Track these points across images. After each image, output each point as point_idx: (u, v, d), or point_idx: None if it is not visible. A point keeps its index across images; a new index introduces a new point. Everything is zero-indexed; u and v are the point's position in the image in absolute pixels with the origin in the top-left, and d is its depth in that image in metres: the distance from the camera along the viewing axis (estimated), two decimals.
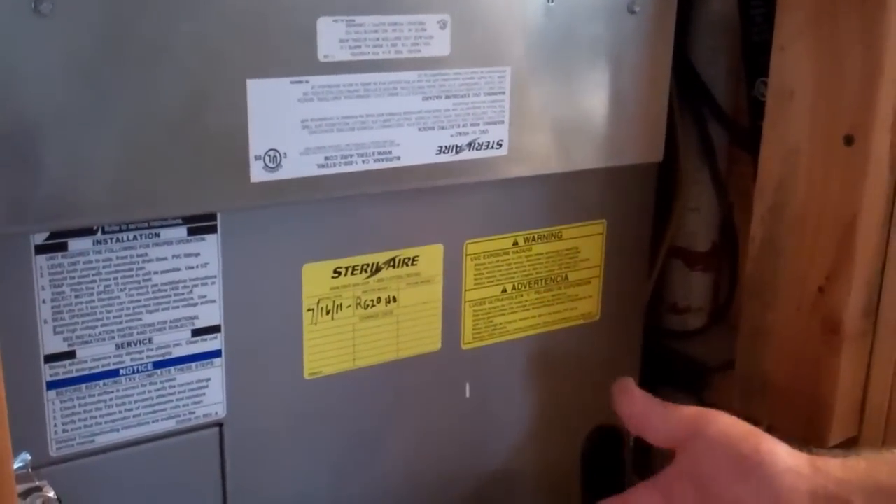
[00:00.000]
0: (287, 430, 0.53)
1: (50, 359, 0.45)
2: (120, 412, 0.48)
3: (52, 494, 0.44)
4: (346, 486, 0.56)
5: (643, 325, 0.65)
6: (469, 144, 0.52)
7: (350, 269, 0.52)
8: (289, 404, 0.52)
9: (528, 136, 0.53)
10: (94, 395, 0.47)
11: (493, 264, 0.57)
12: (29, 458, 0.45)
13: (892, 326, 0.55)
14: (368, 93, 0.48)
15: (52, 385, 0.46)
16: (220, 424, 0.50)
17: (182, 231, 0.47)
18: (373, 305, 0.54)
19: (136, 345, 0.47)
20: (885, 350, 0.55)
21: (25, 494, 0.44)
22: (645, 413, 0.51)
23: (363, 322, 0.54)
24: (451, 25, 0.49)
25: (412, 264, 0.54)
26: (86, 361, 0.46)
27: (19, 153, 0.41)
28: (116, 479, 0.48)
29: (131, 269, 0.46)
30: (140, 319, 0.47)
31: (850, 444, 0.56)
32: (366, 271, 0.53)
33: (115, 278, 0.46)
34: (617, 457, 0.66)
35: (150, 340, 0.48)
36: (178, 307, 0.48)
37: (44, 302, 0.45)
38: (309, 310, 0.52)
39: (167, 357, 0.48)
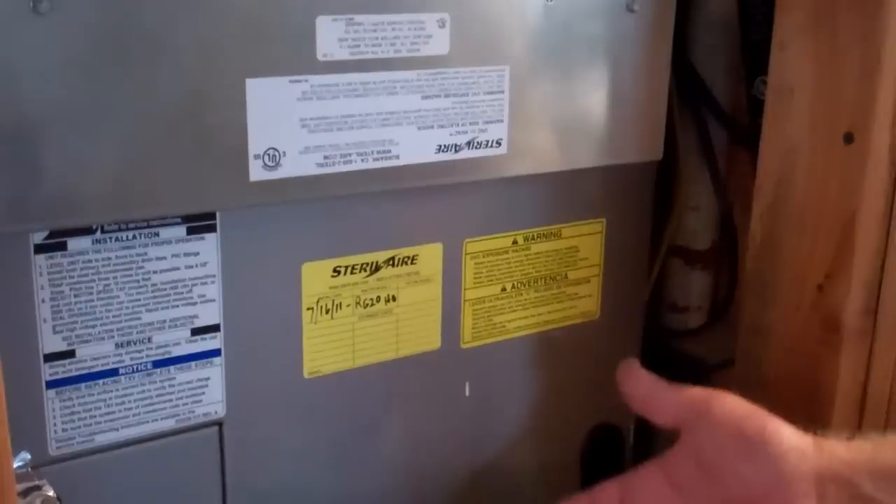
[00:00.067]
0: (286, 429, 0.53)
1: (49, 358, 0.45)
2: (119, 411, 0.48)
3: (51, 493, 0.44)
4: (345, 484, 0.56)
5: (643, 323, 0.65)
6: (468, 143, 0.52)
7: (349, 268, 0.52)
8: (288, 403, 0.52)
9: (527, 134, 0.53)
10: (93, 395, 0.47)
11: (492, 263, 0.57)
12: (29, 457, 0.45)
13: (891, 325, 0.55)
14: (367, 92, 0.48)
15: (51, 384, 0.46)
16: (219, 423, 0.50)
17: (181, 230, 0.47)
18: (372, 304, 0.54)
19: (135, 344, 0.47)
20: (884, 348, 0.55)
21: (25, 493, 0.44)
22: (650, 394, 0.51)
23: (363, 321, 0.54)
24: (450, 24, 0.49)
25: (411, 263, 0.54)
26: (85, 360, 0.46)
27: (18, 152, 0.41)
28: (116, 479, 0.48)
29: (130, 269, 0.46)
30: (139, 318, 0.47)
31: None
32: (365, 270, 0.53)
33: (115, 277, 0.46)
34: (617, 455, 0.66)
35: (149, 339, 0.48)
36: (177, 306, 0.48)
37: (43, 301, 0.45)
38: (308, 309, 0.52)
39: (167, 356, 0.48)
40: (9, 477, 0.35)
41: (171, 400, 0.49)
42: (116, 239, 0.46)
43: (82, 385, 0.46)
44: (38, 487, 0.44)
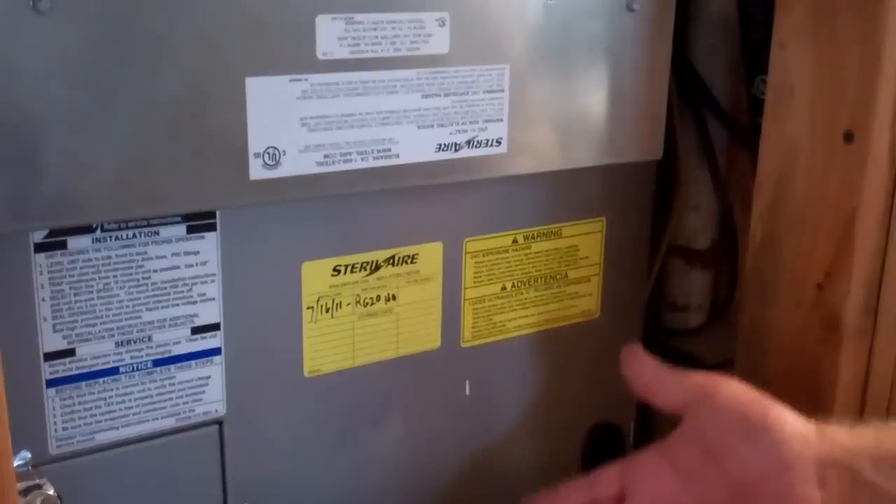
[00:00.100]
0: (287, 428, 0.53)
1: (50, 357, 0.45)
2: (120, 410, 0.48)
3: (51, 492, 0.44)
4: (346, 483, 0.56)
5: (643, 322, 0.65)
6: (468, 142, 0.52)
7: (349, 267, 0.52)
8: (288, 402, 0.52)
9: (527, 133, 0.53)
10: (93, 393, 0.47)
11: (492, 262, 0.57)
12: (29, 455, 0.45)
13: (891, 323, 0.55)
14: (367, 91, 0.48)
15: (51, 383, 0.46)
16: (219, 422, 0.50)
17: (181, 229, 0.47)
18: (372, 303, 0.54)
19: (135, 343, 0.47)
20: (884, 347, 0.55)
21: (25, 492, 0.44)
22: (654, 378, 0.51)
23: (363, 320, 0.54)
24: (450, 23, 0.49)
25: (411, 262, 0.54)
26: (85, 359, 0.46)
27: (18, 151, 0.41)
28: (116, 477, 0.48)
29: (131, 267, 0.46)
30: (140, 317, 0.47)
31: None
32: (365, 269, 0.53)
33: (115, 276, 0.46)
34: (617, 454, 0.66)
35: (149, 338, 0.48)
36: (177, 305, 0.48)
37: (43, 300, 0.45)
38: (308, 308, 0.52)
39: (167, 355, 0.48)
40: (9, 476, 0.35)
41: (171, 399, 0.49)
42: (116, 238, 0.46)
43: (82, 384, 0.47)
44: (39, 486, 0.44)
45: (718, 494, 0.46)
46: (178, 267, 0.48)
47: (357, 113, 0.48)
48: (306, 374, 0.53)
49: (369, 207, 0.52)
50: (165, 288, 0.47)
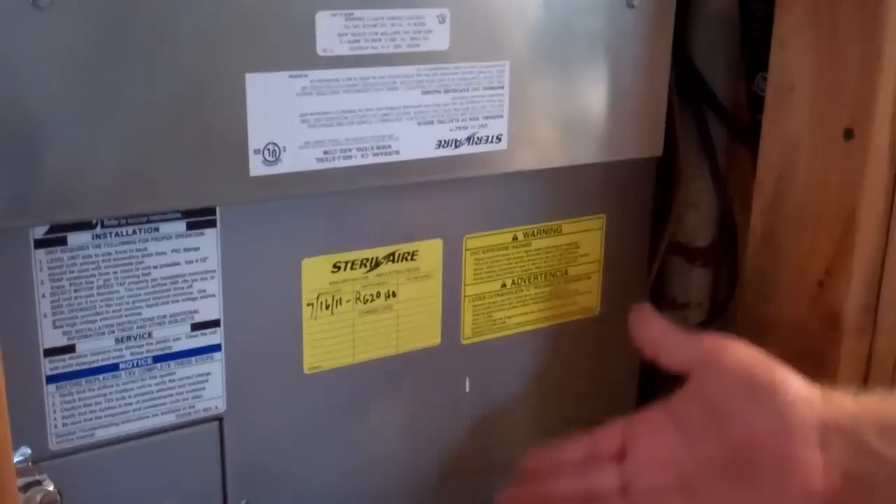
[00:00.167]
0: (287, 425, 0.53)
1: (49, 353, 0.45)
2: (120, 406, 0.48)
3: (51, 488, 0.44)
4: (346, 479, 0.56)
5: None
6: (468, 139, 0.52)
7: (349, 264, 0.52)
8: (288, 399, 0.52)
9: (527, 130, 0.53)
10: (93, 389, 0.47)
11: (492, 259, 0.57)
12: (29, 451, 0.46)
13: (892, 320, 0.55)
14: (367, 87, 0.48)
15: (51, 379, 0.46)
16: (219, 419, 0.50)
17: (181, 225, 0.47)
18: (372, 300, 0.54)
19: (135, 339, 0.47)
20: (885, 344, 0.55)
21: (25, 488, 0.44)
22: (662, 337, 0.51)
23: (363, 317, 0.54)
24: (450, 20, 0.49)
25: (411, 259, 0.54)
26: (85, 355, 0.46)
27: (18, 147, 0.41)
28: (116, 474, 0.48)
29: (130, 264, 0.46)
30: (140, 314, 0.47)
31: None
32: (365, 266, 0.53)
33: (115, 272, 0.46)
34: None
35: (149, 335, 0.48)
36: (177, 301, 0.48)
37: (43, 296, 0.45)
38: (308, 304, 0.52)
39: (167, 351, 0.48)
40: (9, 471, 0.35)
41: (171, 395, 0.49)
42: (116, 234, 0.46)
43: (82, 380, 0.47)
44: (39, 482, 0.44)
45: (719, 454, 0.46)
46: (178, 263, 0.48)
47: (357, 109, 0.48)
48: (306, 370, 0.53)
49: (369, 204, 0.52)
50: (165, 284, 0.47)
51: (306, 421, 0.53)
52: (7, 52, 0.40)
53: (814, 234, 0.55)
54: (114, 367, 0.47)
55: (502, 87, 0.52)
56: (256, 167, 0.46)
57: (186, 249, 0.47)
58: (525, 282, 0.59)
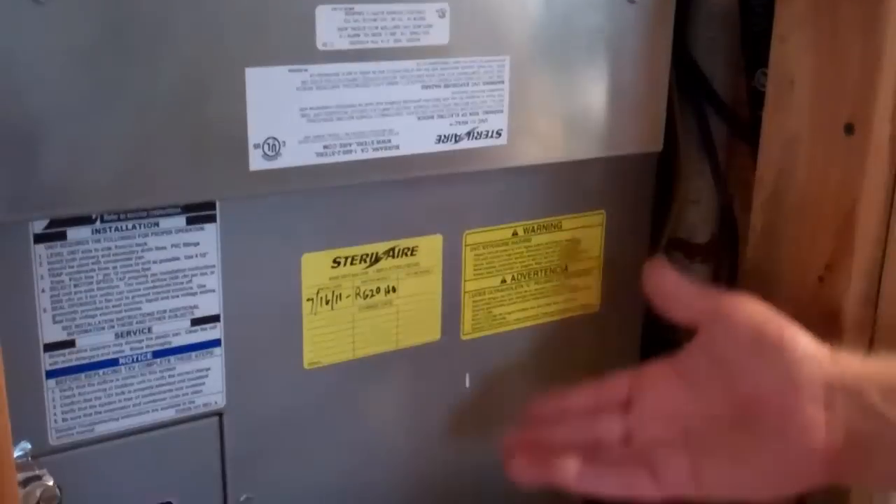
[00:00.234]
0: (286, 420, 0.53)
1: (49, 348, 0.45)
2: (119, 401, 0.48)
3: (51, 483, 0.44)
4: (345, 474, 0.56)
5: (643, 315, 0.65)
6: (468, 134, 0.52)
7: (349, 259, 0.52)
8: (288, 394, 0.52)
9: (527, 125, 0.53)
10: (93, 385, 0.47)
11: (492, 255, 0.57)
12: (29, 446, 0.45)
13: (892, 315, 0.55)
14: (367, 81, 0.48)
15: (51, 374, 0.46)
16: (219, 414, 0.50)
17: (181, 220, 0.47)
18: (372, 295, 0.54)
19: (135, 334, 0.47)
20: (885, 339, 0.55)
21: (25, 483, 0.44)
22: (674, 291, 0.51)
23: (363, 312, 0.54)
24: (450, 14, 0.49)
25: (411, 254, 0.54)
26: (85, 350, 0.46)
27: (18, 141, 0.41)
28: (116, 469, 0.48)
29: (130, 259, 0.46)
30: (139, 308, 0.47)
31: None
32: (365, 261, 0.53)
33: (114, 267, 0.46)
34: None
35: (149, 329, 0.48)
36: (177, 296, 0.48)
37: (43, 291, 0.45)
38: (308, 300, 0.52)
39: (166, 346, 0.48)
40: (9, 467, 0.35)
41: (171, 390, 0.49)
42: (116, 229, 0.46)
43: (82, 375, 0.47)
44: (39, 477, 0.44)
45: (724, 408, 0.46)
46: (177, 258, 0.47)
47: (357, 104, 0.48)
48: (306, 366, 0.53)
49: (369, 199, 0.52)
50: (165, 279, 0.47)
51: (306, 416, 0.53)
52: (7, 47, 0.39)
53: (814, 229, 0.55)
54: (113, 362, 0.47)
55: (502, 82, 0.52)
56: (256, 162, 0.46)
57: (186, 244, 0.47)
58: (525, 277, 0.59)
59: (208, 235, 0.48)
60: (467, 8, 0.49)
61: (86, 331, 0.46)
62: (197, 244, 0.48)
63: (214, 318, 0.49)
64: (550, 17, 0.52)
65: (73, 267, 0.45)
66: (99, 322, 0.46)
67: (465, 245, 0.56)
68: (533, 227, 0.58)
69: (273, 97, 0.45)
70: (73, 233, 0.45)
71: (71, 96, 0.41)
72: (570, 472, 0.47)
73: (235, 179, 0.46)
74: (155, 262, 0.47)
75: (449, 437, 0.59)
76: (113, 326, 0.47)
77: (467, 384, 0.58)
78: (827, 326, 0.55)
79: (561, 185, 0.58)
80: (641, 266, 0.64)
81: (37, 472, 0.44)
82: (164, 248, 0.47)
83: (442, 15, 0.49)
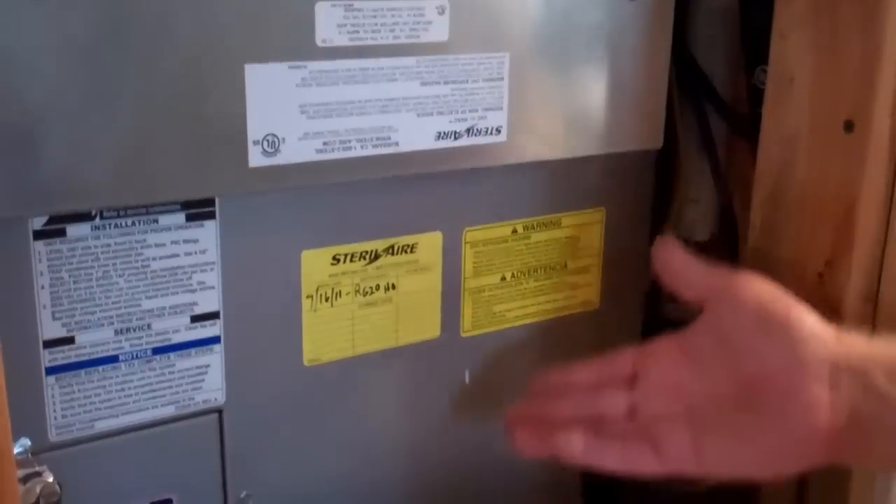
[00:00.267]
0: (286, 417, 0.53)
1: (49, 344, 0.45)
2: (119, 398, 0.48)
3: (51, 479, 0.44)
4: (345, 471, 0.56)
5: (643, 313, 0.65)
6: (468, 130, 0.52)
7: (349, 256, 0.52)
8: (288, 391, 0.52)
9: (526, 122, 0.53)
10: (93, 381, 0.47)
11: (492, 252, 0.57)
12: (29, 443, 0.45)
13: (892, 311, 0.55)
14: (367, 78, 0.48)
15: (51, 371, 0.46)
16: (219, 411, 0.50)
17: (180, 217, 0.47)
18: (372, 292, 0.54)
19: (135, 331, 0.47)
20: (885, 335, 0.55)
21: (25, 479, 0.44)
22: (682, 268, 0.50)
23: (362, 309, 0.54)
24: (450, 11, 0.49)
25: (411, 252, 0.54)
26: (85, 347, 0.46)
27: (18, 138, 0.41)
28: (116, 465, 0.48)
29: (130, 255, 0.46)
30: (139, 305, 0.47)
31: None
32: (364, 258, 0.53)
33: (114, 264, 0.46)
34: None
35: (149, 326, 0.48)
36: (176, 293, 0.48)
37: (42, 287, 0.45)
38: (308, 296, 0.52)
39: (166, 343, 0.48)
40: (9, 463, 0.35)
41: (170, 387, 0.49)
42: (115, 225, 0.46)
43: (82, 371, 0.47)
44: (38, 474, 0.44)
45: (728, 386, 0.46)
46: (177, 255, 0.48)
47: (356, 100, 0.48)
48: (306, 362, 0.53)
49: (369, 196, 0.52)
50: (164, 276, 0.47)
51: (305, 413, 0.53)
52: (5, 43, 0.39)
53: (814, 226, 0.55)
54: (113, 359, 0.47)
55: (502, 79, 0.52)
56: (256, 158, 0.46)
57: (186, 241, 0.47)
58: (525, 275, 0.59)
59: (208, 232, 0.48)
60: (467, 5, 0.49)
61: (85, 327, 0.46)
62: (196, 241, 0.48)
63: (214, 315, 0.49)
64: (550, 14, 0.52)
65: (72, 263, 0.45)
66: (98, 319, 0.46)
67: (465, 242, 0.56)
68: (533, 225, 0.58)
69: (272, 94, 0.45)
70: (73, 229, 0.45)
71: (70, 93, 0.41)
72: (573, 445, 0.47)
73: (235, 176, 0.46)
74: (154, 259, 0.47)
75: (448, 434, 0.59)
76: (112, 323, 0.47)
77: (467, 381, 0.58)
78: (827, 323, 0.55)
79: (561, 183, 0.58)
80: (641, 264, 0.64)
81: (37, 468, 0.44)
82: (163, 244, 0.47)
83: (441, 12, 0.49)
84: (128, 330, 0.47)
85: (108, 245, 0.46)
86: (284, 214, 0.50)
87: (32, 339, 0.45)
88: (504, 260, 0.58)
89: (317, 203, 0.50)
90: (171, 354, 0.49)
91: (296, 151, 0.47)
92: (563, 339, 0.61)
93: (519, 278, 0.59)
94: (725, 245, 0.68)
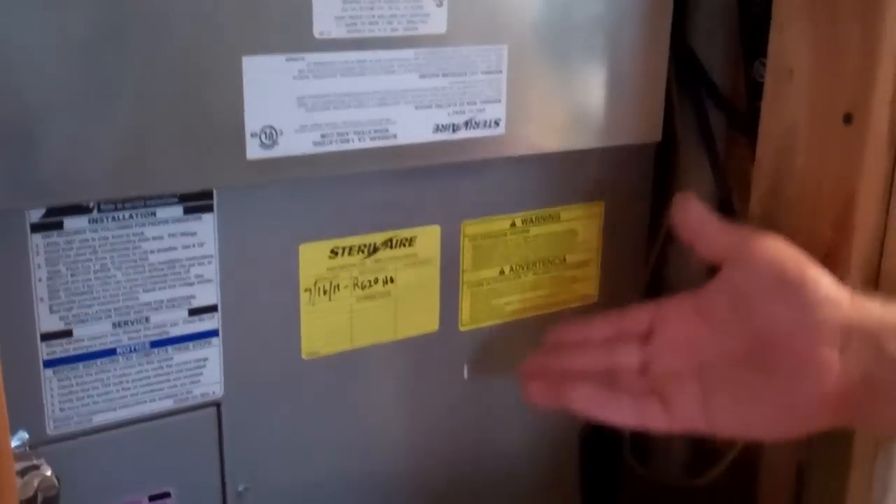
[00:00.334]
0: (285, 410, 0.53)
1: (46, 337, 0.45)
2: (117, 391, 0.48)
3: (49, 473, 0.44)
4: (343, 465, 0.56)
5: None
6: (466, 123, 0.51)
7: (347, 250, 0.52)
8: (286, 384, 0.52)
9: (525, 115, 0.53)
10: (91, 374, 0.47)
11: (490, 245, 0.57)
12: (26, 436, 0.45)
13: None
14: (364, 70, 0.47)
15: (49, 364, 0.46)
16: (217, 404, 0.50)
17: (178, 210, 0.47)
18: (370, 286, 0.54)
19: (133, 324, 0.47)
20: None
21: (23, 473, 0.44)
22: (700, 225, 0.50)
23: (361, 302, 0.54)
24: (448, 3, 0.49)
25: (409, 245, 0.54)
26: (83, 340, 0.46)
27: (15, 130, 0.41)
28: (114, 459, 0.48)
29: (127, 248, 0.46)
30: (137, 298, 0.47)
31: None
32: (363, 252, 0.53)
33: (112, 257, 0.46)
34: (616, 434, 0.66)
35: (147, 319, 0.48)
36: (174, 286, 0.48)
37: (40, 280, 0.45)
38: (306, 290, 0.52)
39: (164, 336, 0.48)
40: (7, 456, 0.35)
41: (168, 380, 0.49)
42: (113, 218, 0.46)
43: (80, 365, 0.46)
44: (36, 467, 0.44)
45: (741, 345, 0.47)
46: (175, 248, 0.47)
47: (354, 93, 0.48)
48: (304, 356, 0.53)
49: (367, 189, 0.52)
50: (162, 269, 0.47)
51: (304, 406, 0.53)
52: (4, 36, 0.39)
53: (813, 218, 0.55)
54: (111, 352, 0.47)
55: (500, 72, 0.52)
56: (253, 150, 0.46)
57: (183, 234, 0.47)
58: (523, 268, 0.59)
59: (206, 225, 0.48)
60: None
61: (83, 321, 0.46)
62: (194, 234, 0.48)
63: (212, 308, 0.49)
64: (549, 7, 0.52)
65: (70, 256, 0.45)
66: (96, 312, 0.46)
67: (464, 235, 0.56)
68: (531, 218, 0.58)
69: (270, 86, 0.45)
70: (70, 222, 0.45)
71: (67, 85, 0.41)
72: (584, 396, 0.48)
73: (232, 168, 0.46)
74: (152, 252, 0.47)
75: (447, 428, 0.59)
76: (110, 316, 0.47)
77: (465, 375, 0.58)
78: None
79: (559, 176, 0.58)
80: (640, 257, 0.64)
81: (34, 461, 0.44)
82: (161, 237, 0.47)
83: (439, 4, 0.49)
84: (126, 323, 0.47)
85: (106, 238, 0.46)
86: (282, 207, 0.50)
87: (30, 332, 0.45)
88: (503, 253, 0.58)
89: (315, 196, 0.50)
90: (170, 348, 0.48)
91: (293, 144, 0.47)
92: None
93: (518, 272, 0.59)
94: None
